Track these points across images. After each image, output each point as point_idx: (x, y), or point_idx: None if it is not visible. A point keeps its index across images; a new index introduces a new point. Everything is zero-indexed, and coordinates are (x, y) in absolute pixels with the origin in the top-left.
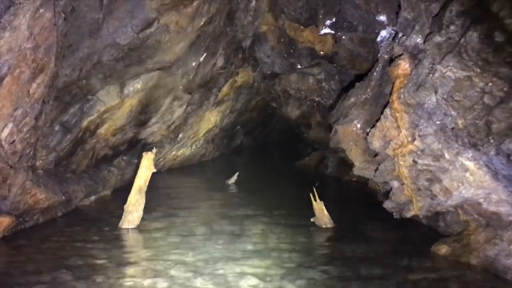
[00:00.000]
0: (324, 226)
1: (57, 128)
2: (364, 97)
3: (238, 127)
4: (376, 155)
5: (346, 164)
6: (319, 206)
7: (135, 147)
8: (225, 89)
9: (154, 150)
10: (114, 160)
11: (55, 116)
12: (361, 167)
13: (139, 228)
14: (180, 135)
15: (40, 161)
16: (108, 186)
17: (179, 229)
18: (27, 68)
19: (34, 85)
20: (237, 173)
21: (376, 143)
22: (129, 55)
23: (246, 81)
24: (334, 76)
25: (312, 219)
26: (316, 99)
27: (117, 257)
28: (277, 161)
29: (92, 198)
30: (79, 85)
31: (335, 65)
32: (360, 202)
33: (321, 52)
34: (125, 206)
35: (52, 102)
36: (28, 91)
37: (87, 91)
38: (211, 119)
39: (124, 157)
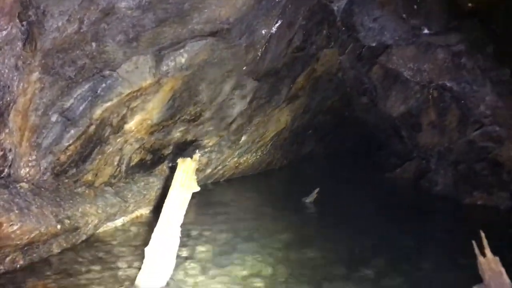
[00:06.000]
0: None
1: (54, 118)
2: None
3: (310, 131)
4: None
5: (468, 181)
6: (492, 267)
7: (185, 151)
8: (300, 79)
9: (197, 154)
10: (155, 168)
11: (50, 99)
12: None
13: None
14: (243, 138)
15: (27, 169)
16: (146, 203)
17: None
18: None
19: None
20: (316, 190)
21: None
22: (163, 1)
23: (328, 70)
24: (484, 47)
25: None
26: (448, 85)
27: None
28: (358, 173)
29: (120, 220)
30: (86, 51)
31: (493, 26)
32: None
33: (469, 4)
34: (146, 250)
35: (40, 74)
36: None
37: (103, 64)
38: (280, 119)
39: (170, 164)
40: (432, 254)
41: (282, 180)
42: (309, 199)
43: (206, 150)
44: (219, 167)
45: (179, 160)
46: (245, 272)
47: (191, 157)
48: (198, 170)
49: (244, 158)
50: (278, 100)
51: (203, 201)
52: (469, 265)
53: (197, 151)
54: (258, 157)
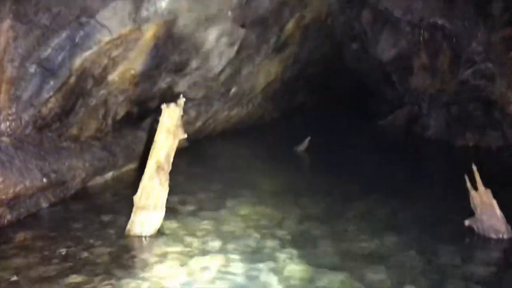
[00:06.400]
0: (495, 237)
1: (32, 69)
2: None
3: (301, 82)
4: None
5: (460, 122)
6: (484, 200)
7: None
8: (289, 27)
9: (182, 99)
10: (142, 121)
11: (26, 49)
12: None
13: (161, 234)
14: (233, 90)
15: (7, 123)
16: (134, 157)
17: (232, 239)
18: None
19: None
20: (308, 138)
21: None
22: None
23: (317, 16)
24: None
25: (467, 222)
26: (439, 23)
27: None
28: (350, 122)
29: (109, 175)
30: None
31: None
32: None
33: None
34: (135, 198)
35: (12, 21)
36: None
37: (79, 10)
38: (271, 70)
39: (158, 117)
40: (425, 190)
41: (274, 132)
42: (301, 148)
43: (194, 102)
44: (210, 121)
45: (163, 106)
46: (236, 216)
47: (176, 102)
48: (188, 124)
49: (235, 111)
50: (267, 50)
51: (194, 154)
52: (461, 199)
53: (181, 96)
54: (249, 109)
